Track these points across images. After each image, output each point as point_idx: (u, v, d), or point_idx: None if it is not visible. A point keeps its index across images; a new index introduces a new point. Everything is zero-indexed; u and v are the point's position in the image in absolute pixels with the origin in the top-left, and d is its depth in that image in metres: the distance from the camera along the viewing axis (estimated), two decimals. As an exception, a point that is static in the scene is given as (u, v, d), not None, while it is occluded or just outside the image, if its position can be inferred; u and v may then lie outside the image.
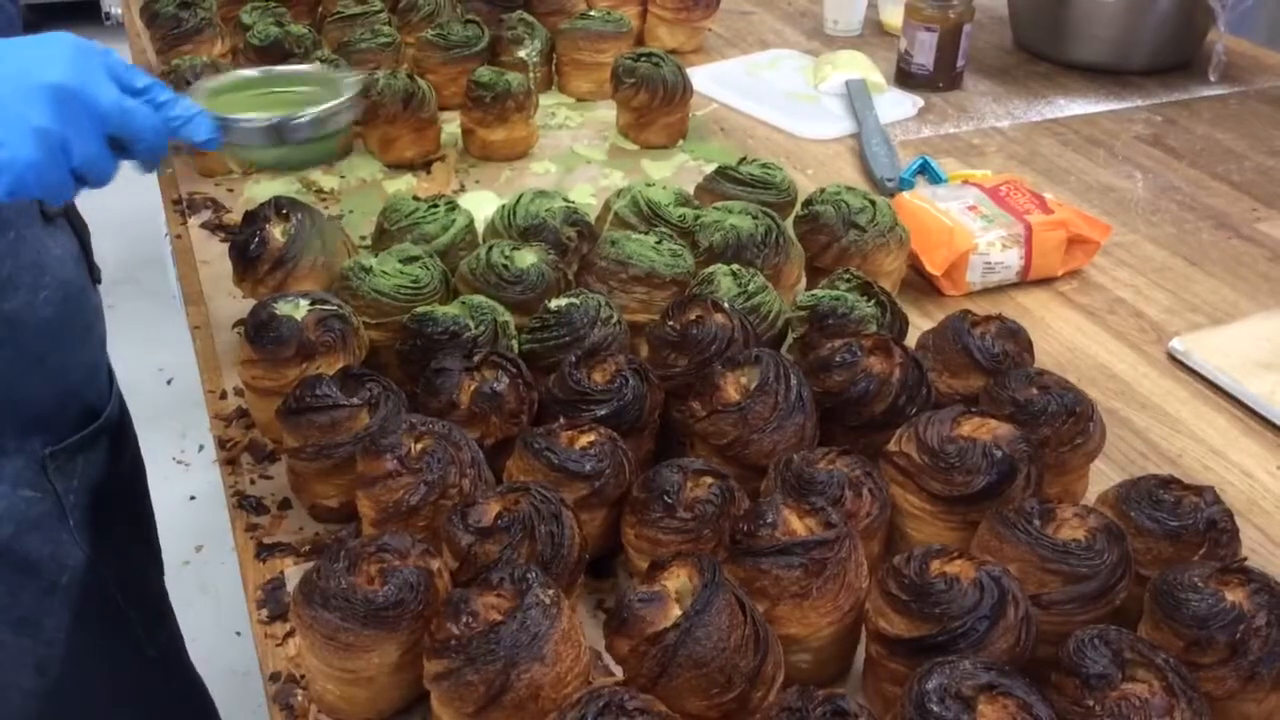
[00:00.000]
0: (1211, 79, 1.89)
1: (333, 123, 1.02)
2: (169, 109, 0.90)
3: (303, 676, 0.83)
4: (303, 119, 0.98)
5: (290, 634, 0.87)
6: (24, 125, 0.80)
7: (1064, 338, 1.27)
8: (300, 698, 0.83)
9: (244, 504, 1.00)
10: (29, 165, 0.81)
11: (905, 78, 1.90)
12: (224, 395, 1.14)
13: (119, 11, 2.33)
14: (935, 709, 0.69)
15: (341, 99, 1.02)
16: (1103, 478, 1.02)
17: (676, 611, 0.75)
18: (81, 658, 1.17)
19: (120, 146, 0.88)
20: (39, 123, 0.81)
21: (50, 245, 1.08)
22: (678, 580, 0.78)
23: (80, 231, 1.17)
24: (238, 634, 2.43)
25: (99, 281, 1.19)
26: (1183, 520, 0.85)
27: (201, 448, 2.91)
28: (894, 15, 2.07)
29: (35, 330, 1.05)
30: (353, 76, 1.05)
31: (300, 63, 1.61)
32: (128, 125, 0.86)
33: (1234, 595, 0.78)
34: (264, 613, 0.90)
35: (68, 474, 1.13)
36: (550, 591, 0.76)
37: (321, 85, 1.08)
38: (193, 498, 2.76)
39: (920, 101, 1.84)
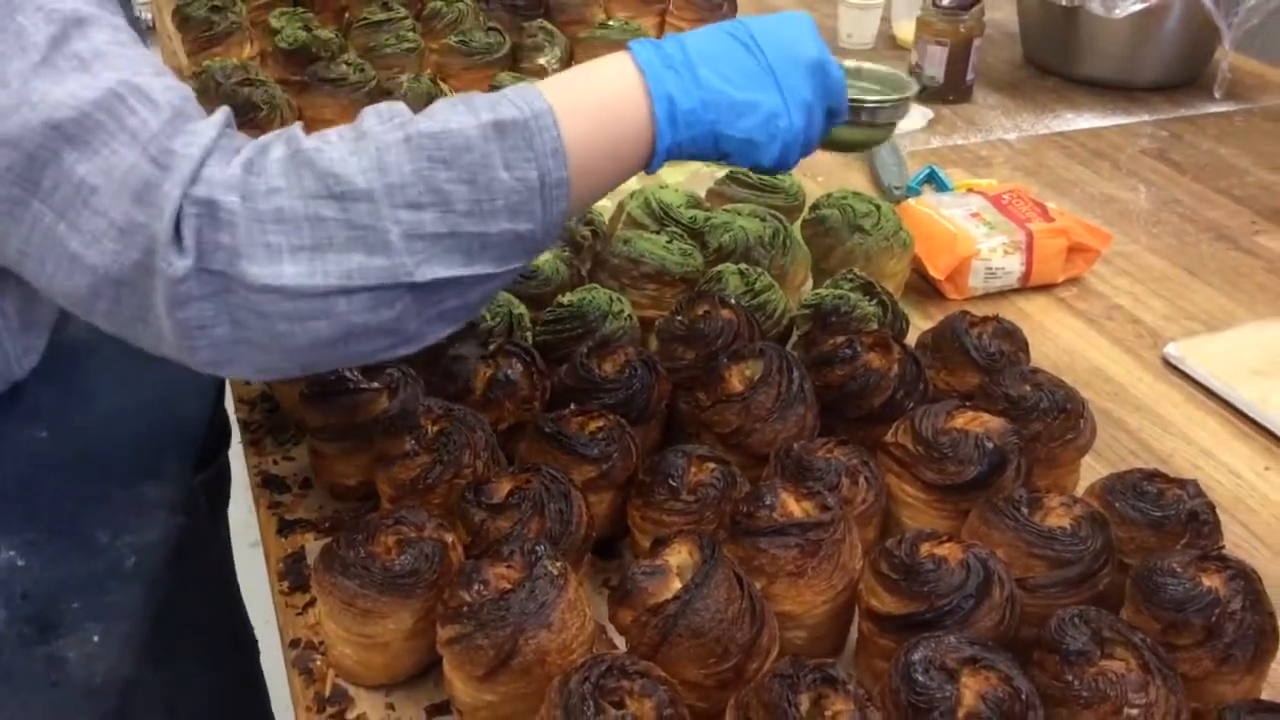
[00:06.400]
0: (1216, 96, 1.92)
1: (901, 111, 1.06)
2: None
3: (321, 643, 0.88)
4: (887, 104, 1.03)
5: (310, 604, 0.91)
6: (796, 98, 0.84)
7: (1062, 342, 1.30)
8: (319, 662, 0.87)
9: (267, 483, 1.05)
10: (797, 134, 0.85)
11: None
12: (247, 380, 1.18)
13: (148, 17, 2.40)
14: (921, 679, 0.73)
15: (910, 92, 1.06)
16: (1095, 475, 1.05)
17: (677, 584, 0.79)
18: (209, 701, 1.15)
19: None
20: (805, 95, 0.85)
21: None
22: (679, 556, 0.82)
23: None
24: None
25: None
26: (1165, 511, 0.89)
27: (220, 444, 2.95)
28: (906, 29, 2.11)
29: None
30: (905, 76, 1.09)
31: (327, 67, 1.66)
32: (841, 97, 0.90)
33: (1211, 581, 0.81)
34: (285, 584, 0.94)
35: (213, 500, 1.13)
36: (558, 564, 0.80)
37: (884, 82, 1.11)
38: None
39: (930, 113, 1.88)
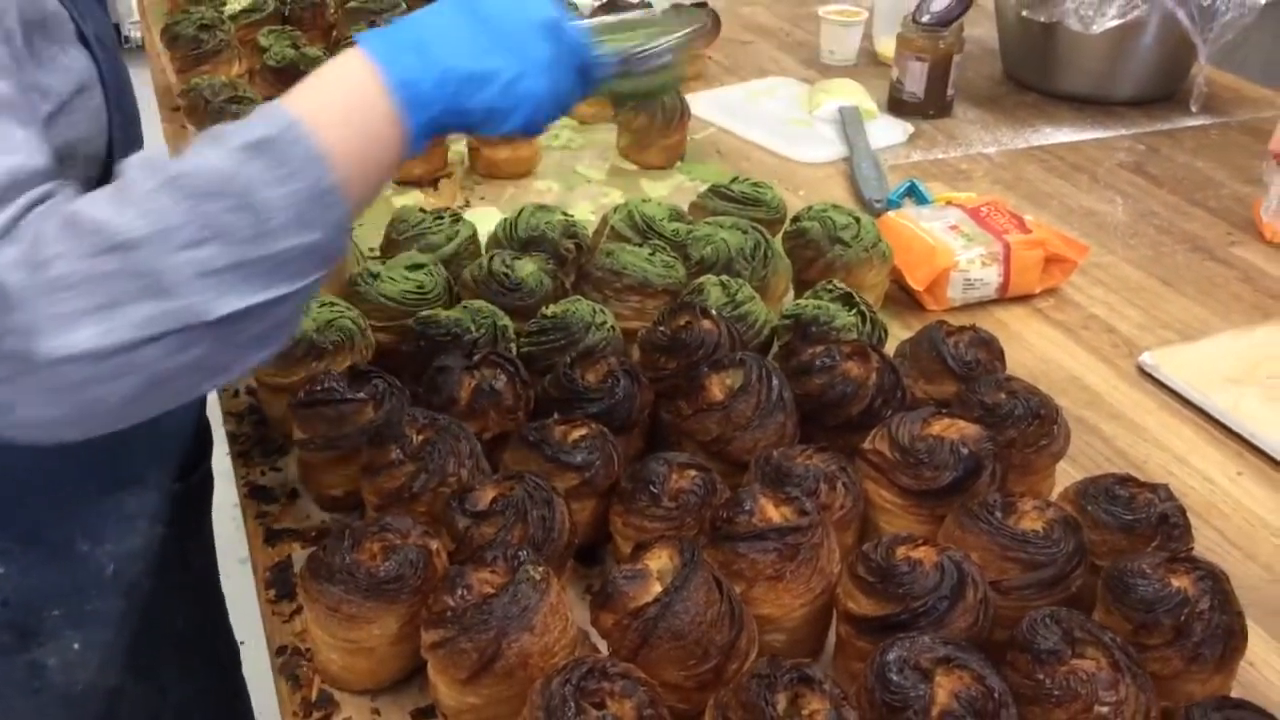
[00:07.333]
0: (1193, 109, 1.95)
1: (670, 55, 0.98)
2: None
3: (308, 649, 0.89)
4: (653, 49, 0.96)
5: (296, 612, 0.93)
6: (535, 58, 0.82)
7: (1039, 351, 1.32)
8: (305, 668, 0.88)
9: (255, 494, 1.06)
10: (545, 96, 0.83)
11: (897, 105, 1.96)
12: (236, 394, 1.19)
13: (138, 35, 2.42)
14: (895, 678, 0.74)
15: (682, 31, 1.00)
16: (1069, 480, 1.07)
17: (658, 588, 0.81)
18: (192, 711, 1.16)
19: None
20: (542, 56, 0.82)
21: None
22: (660, 560, 0.83)
23: None
24: (242, 643, 2.47)
25: None
26: (1136, 514, 0.91)
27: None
28: (888, 46, 2.13)
29: None
30: (693, 16, 1.04)
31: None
32: (587, 55, 0.87)
33: (1180, 582, 0.83)
34: (272, 592, 0.95)
35: (196, 510, 1.12)
36: (540, 569, 0.81)
37: (662, 26, 1.03)
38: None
39: (910, 128, 1.90)
